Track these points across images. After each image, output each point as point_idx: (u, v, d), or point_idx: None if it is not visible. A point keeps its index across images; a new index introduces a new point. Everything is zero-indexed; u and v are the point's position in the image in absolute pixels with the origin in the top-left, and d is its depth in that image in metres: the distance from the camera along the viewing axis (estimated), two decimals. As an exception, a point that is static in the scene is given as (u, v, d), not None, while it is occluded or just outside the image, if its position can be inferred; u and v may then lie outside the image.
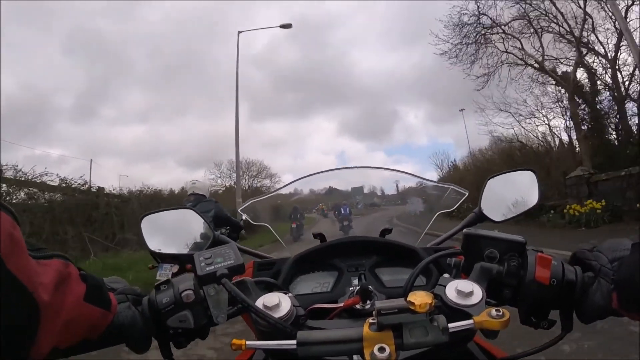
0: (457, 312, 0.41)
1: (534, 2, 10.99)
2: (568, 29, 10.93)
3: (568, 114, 11.75)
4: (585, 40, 10.91)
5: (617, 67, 10.79)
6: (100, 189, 8.59)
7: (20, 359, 0.34)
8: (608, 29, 10.58)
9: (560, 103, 12.11)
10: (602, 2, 10.10)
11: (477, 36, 11.70)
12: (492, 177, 0.76)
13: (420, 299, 0.37)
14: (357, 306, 0.52)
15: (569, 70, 11.50)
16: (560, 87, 11.67)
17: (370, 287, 0.54)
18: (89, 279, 0.43)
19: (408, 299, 0.38)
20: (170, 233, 0.73)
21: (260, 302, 0.45)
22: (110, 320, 0.44)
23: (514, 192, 0.76)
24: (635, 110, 10.56)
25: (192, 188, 4.24)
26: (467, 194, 0.80)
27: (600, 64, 11.21)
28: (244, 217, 0.87)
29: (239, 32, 14.46)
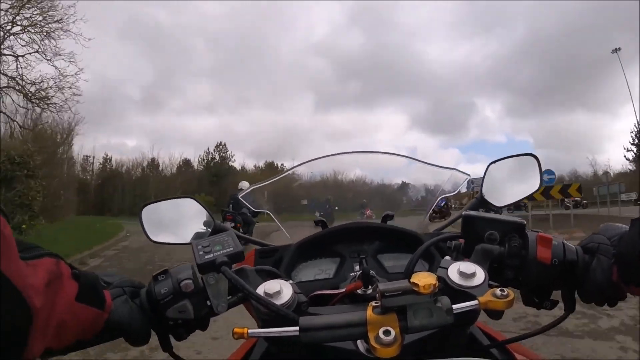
0: (461, 294, 0.41)
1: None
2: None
3: None
4: None
5: None
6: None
7: None
8: None
9: None
10: None
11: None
12: (493, 162, 0.76)
13: (424, 279, 0.37)
14: (359, 291, 0.52)
15: None
16: None
17: (371, 271, 0.53)
18: (82, 277, 0.41)
19: (411, 280, 0.37)
20: (170, 222, 0.72)
21: (261, 290, 0.44)
22: (104, 319, 0.43)
23: (515, 178, 0.76)
24: None
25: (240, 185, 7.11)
26: (469, 176, 0.79)
27: None
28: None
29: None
